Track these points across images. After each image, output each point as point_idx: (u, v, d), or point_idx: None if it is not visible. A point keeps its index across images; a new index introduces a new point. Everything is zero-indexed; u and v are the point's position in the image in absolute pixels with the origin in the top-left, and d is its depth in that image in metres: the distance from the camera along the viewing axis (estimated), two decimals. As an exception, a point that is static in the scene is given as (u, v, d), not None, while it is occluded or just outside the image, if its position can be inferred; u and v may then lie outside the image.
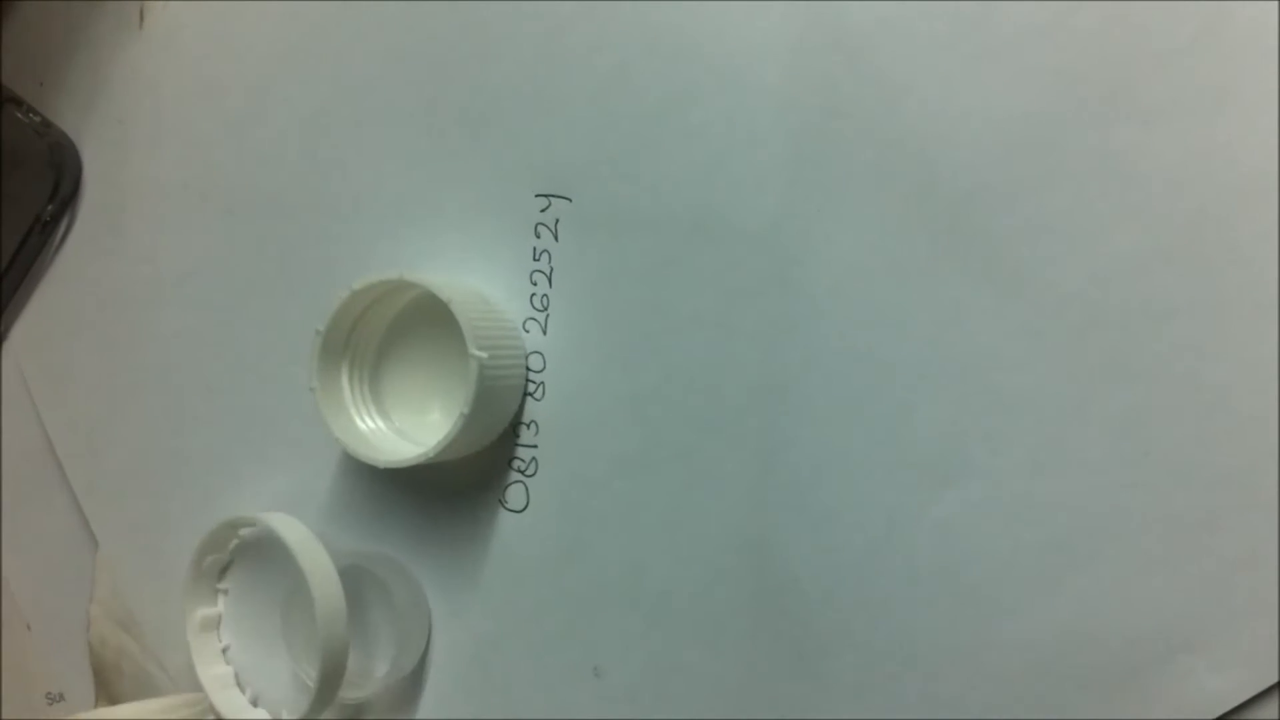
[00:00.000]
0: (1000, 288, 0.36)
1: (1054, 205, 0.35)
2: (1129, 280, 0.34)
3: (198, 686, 0.43)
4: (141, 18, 0.51)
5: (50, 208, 0.51)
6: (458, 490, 0.43)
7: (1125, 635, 0.34)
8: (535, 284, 0.42)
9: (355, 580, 0.42)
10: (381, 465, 0.38)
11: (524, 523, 0.42)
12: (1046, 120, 0.35)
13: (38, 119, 0.51)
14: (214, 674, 0.43)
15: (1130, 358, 0.34)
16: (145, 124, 0.51)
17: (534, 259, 0.42)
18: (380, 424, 0.42)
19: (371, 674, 0.41)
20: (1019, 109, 0.35)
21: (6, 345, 0.54)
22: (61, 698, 0.51)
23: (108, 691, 0.49)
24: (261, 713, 0.42)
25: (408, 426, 0.42)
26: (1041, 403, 0.35)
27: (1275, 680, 0.33)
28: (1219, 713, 0.33)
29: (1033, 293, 0.35)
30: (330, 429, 0.40)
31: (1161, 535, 0.34)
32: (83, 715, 0.41)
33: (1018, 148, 0.35)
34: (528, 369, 0.42)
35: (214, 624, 0.43)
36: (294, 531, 0.40)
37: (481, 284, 0.42)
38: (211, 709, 0.42)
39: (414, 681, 0.43)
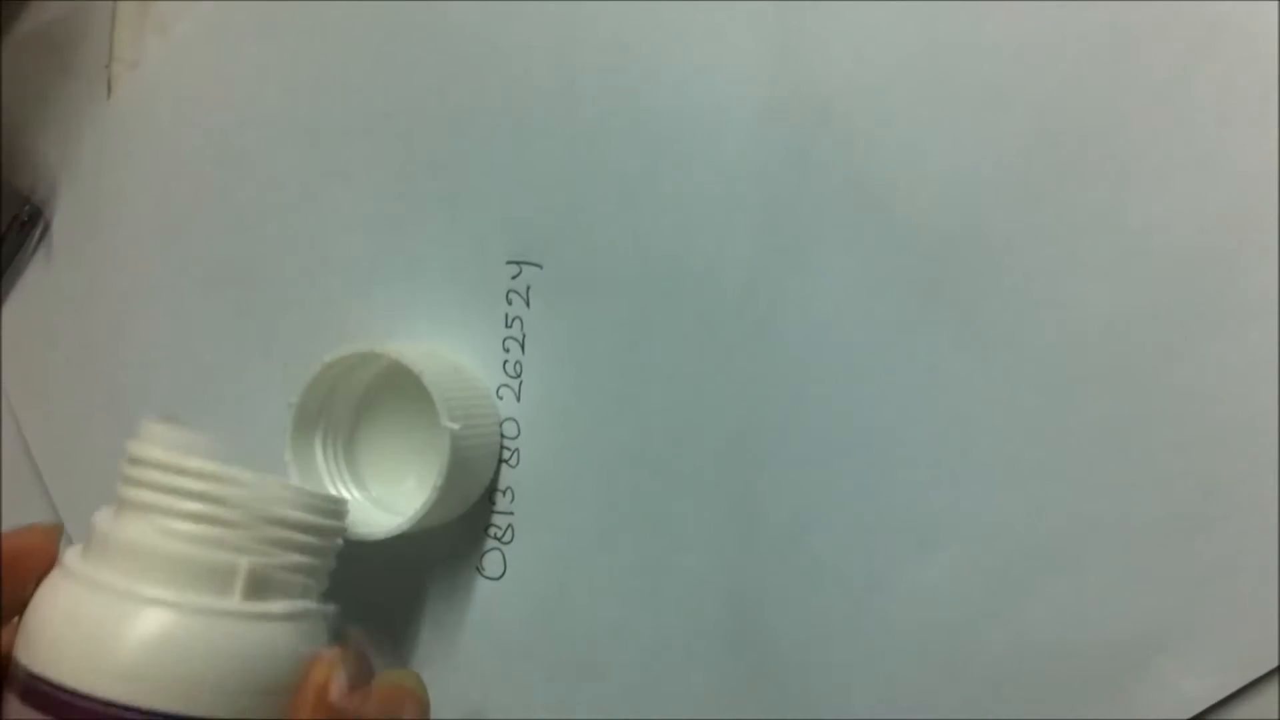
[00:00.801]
0: (977, 344, 0.36)
1: (1030, 261, 0.35)
2: (1109, 337, 0.35)
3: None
4: (110, 87, 0.51)
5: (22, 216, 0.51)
6: (434, 559, 0.43)
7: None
8: (508, 350, 0.42)
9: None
10: (355, 538, 0.38)
11: (502, 590, 0.42)
12: (1020, 175, 0.35)
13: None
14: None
15: (1112, 412, 0.35)
16: (115, 195, 0.51)
17: (506, 325, 0.42)
18: (355, 494, 0.41)
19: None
20: (992, 163, 0.36)
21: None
22: None
23: None
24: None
25: (384, 495, 0.42)
26: (1012, 463, 0.35)
27: (1247, 681, 0.33)
28: (1192, 713, 0.34)
29: (1010, 348, 0.36)
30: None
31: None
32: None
33: (992, 202, 0.36)
34: (502, 435, 0.42)
35: None
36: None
37: (455, 351, 0.43)
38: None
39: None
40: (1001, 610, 0.36)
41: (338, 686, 0.31)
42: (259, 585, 0.31)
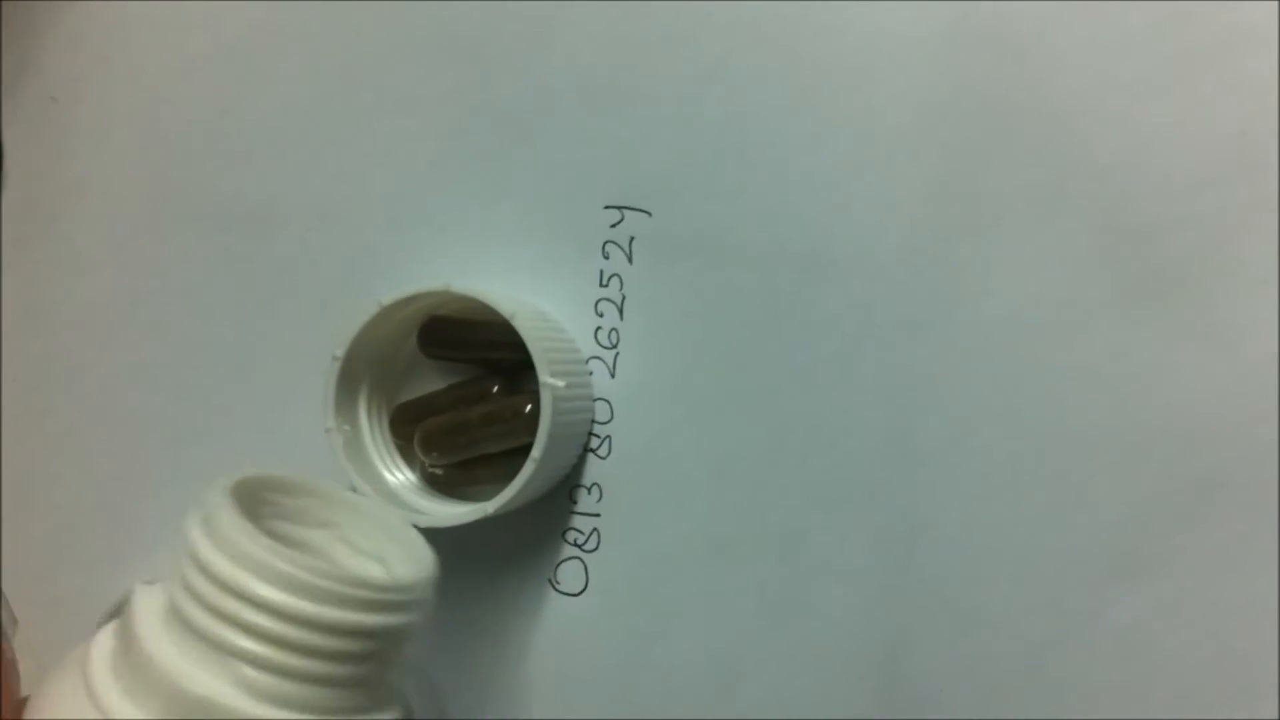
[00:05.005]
0: (1204, 342, 0.30)
1: (1271, 245, 0.30)
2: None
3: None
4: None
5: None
6: (497, 566, 0.35)
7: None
8: (602, 315, 0.35)
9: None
10: (424, 524, 0.30)
11: (581, 609, 0.34)
12: (1261, 138, 0.30)
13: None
14: None
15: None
16: (88, 103, 0.42)
17: (601, 284, 0.35)
18: (407, 475, 0.33)
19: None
20: (1228, 125, 0.30)
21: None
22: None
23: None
24: None
25: (440, 477, 0.34)
26: (1249, 482, 0.29)
27: None
28: None
29: (1246, 350, 0.30)
30: (354, 482, 0.31)
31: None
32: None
33: (1227, 172, 0.30)
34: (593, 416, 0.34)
35: None
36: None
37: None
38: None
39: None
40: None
41: None
42: None
